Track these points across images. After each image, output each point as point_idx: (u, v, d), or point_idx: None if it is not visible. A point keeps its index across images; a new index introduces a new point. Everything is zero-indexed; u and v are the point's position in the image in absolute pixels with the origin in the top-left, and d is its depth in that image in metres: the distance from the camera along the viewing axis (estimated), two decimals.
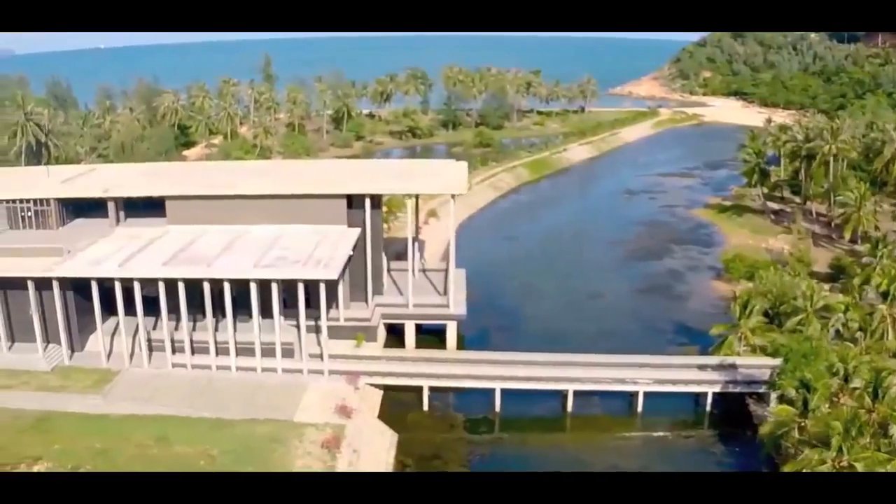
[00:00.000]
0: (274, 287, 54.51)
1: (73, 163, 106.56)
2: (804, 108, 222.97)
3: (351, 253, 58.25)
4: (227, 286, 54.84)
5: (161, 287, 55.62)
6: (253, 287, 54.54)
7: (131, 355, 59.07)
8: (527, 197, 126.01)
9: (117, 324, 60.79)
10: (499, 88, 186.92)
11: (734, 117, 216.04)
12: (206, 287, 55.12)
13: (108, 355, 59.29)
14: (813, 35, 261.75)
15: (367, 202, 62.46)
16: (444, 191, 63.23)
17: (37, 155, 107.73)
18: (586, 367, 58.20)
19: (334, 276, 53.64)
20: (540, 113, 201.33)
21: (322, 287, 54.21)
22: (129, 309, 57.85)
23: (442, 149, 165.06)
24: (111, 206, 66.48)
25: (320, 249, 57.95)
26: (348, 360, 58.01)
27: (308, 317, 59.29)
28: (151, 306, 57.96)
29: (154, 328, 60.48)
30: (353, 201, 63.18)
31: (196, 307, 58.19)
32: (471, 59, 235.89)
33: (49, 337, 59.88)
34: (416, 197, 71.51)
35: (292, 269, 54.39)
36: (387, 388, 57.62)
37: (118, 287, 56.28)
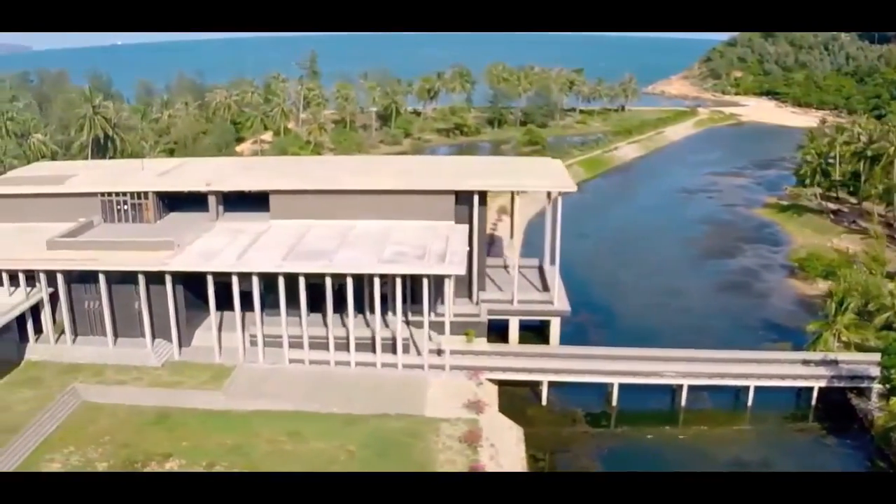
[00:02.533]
0: (398, 282, 54.16)
1: (139, 156, 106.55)
2: (838, 109, 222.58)
3: (468, 248, 57.92)
4: (349, 281, 54.54)
5: (281, 282, 55.31)
6: (376, 282, 54.26)
7: (243, 351, 58.69)
8: (587, 195, 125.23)
9: (221, 319, 60.73)
10: (543, 87, 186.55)
11: (770, 117, 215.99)
12: (328, 282, 54.79)
13: (220, 350, 58.89)
14: (844, 35, 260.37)
15: (475, 199, 62.15)
16: (554, 188, 62.89)
17: (102, 149, 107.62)
18: (700, 363, 58.24)
19: (462, 272, 53.46)
20: (582, 111, 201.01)
21: (447, 282, 54.02)
22: (227, 304, 57.65)
23: (488, 146, 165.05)
24: (212, 200, 66.37)
25: (436, 245, 57.78)
26: (465, 356, 57.65)
27: (415, 313, 59.25)
28: (249, 301, 57.40)
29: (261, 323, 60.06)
30: (459, 197, 62.89)
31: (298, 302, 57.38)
32: (496, 57, 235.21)
33: (153, 332, 59.64)
34: (512, 194, 71.60)
35: (418, 264, 54.14)
36: (501, 383, 57.31)
37: (235, 281, 55.94)
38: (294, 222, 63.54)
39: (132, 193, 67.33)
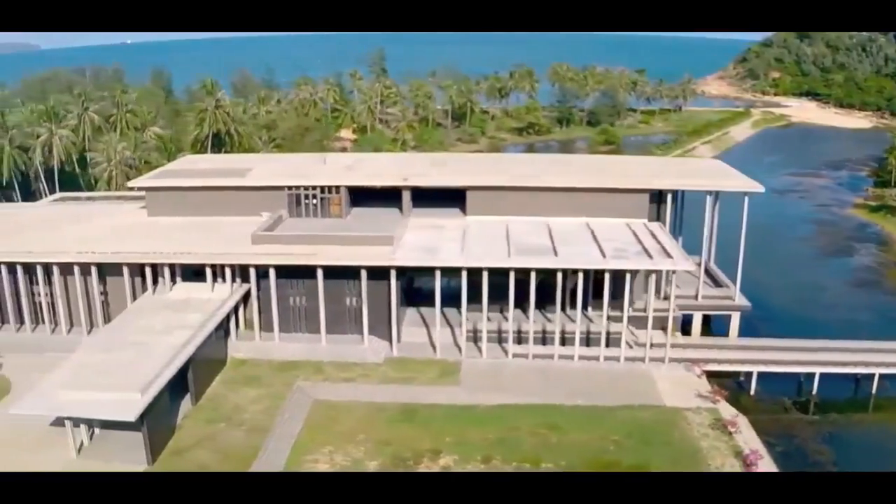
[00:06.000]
0: (627, 278, 56.31)
1: (252, 151, 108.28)
2: (881, 110, 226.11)
3: (677, 245, 60.24)
4: (580, 277, 56.65)
5: (511, 277, 57.02)
6: (606, 277, 56.39)
7: (459, 346, 60.34)
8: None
9: (421, 314, 62.60)
10: (610, 86, 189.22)
11: (817, 118, 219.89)
12: (559, 277, 56.77)
13: (434, 346, 60.42)
14: (882, 37, 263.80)
15: (669, 197, 64.61)
16: (745, 189, 66.00)
17: (218, 144, 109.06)
18: (889, 354, 60.94)
19: (692, 268, 55.69)
20: (643, 111, 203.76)
21: (674, 278, 56.38)
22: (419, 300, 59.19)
23: (557, 145, 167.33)
24: (406, 195, 68.04)
25: (647, 241, 59.96)
26: (675, 348, 59.83)
27: (614, 307, 61.14)
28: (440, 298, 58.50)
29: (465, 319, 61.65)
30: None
31: (500, 298, 58.49)
32: (503, 57, 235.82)
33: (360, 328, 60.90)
34: (680, 195, 74.09)
35: (647, 260, 56.40)
36: (708, 374, 59.42)
37: (464, 276, 57.43)
38: (491, 218, 65.54)
39: (322, 188, 68.78)
